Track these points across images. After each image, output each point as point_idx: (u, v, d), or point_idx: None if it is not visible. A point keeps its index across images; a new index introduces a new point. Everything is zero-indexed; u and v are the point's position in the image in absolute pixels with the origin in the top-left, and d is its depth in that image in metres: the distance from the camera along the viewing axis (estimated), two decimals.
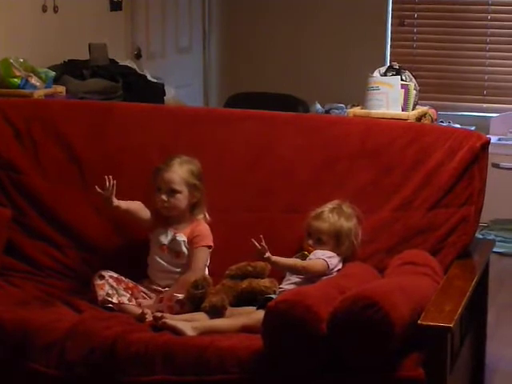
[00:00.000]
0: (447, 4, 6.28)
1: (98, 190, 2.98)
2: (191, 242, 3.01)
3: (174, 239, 3.03)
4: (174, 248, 3.02)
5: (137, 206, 3.07)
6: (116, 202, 3.00)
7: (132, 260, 3.12)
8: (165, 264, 3.03)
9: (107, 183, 2.97)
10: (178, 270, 3.02)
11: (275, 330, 2.43)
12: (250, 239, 2.74)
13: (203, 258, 3.01)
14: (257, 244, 2.74)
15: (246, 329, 2.70)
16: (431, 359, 2.39)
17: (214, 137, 3.26)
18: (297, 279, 2.88)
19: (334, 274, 2.86)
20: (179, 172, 3.01)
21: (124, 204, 3.03)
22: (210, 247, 3.02)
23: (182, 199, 3.01)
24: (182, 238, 3.02)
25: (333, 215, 2.92)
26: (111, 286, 2.96)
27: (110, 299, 2.93)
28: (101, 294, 2.95)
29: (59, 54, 4.63)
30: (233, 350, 2.51)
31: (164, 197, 3.00)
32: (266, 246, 2.76)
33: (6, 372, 2.66)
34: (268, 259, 2.79)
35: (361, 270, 2.85)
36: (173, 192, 3.00)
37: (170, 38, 6.00)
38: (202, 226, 3.04)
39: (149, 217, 3.06)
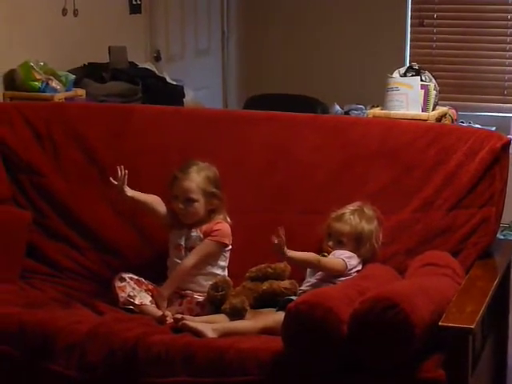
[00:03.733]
0: (467, 4, 6.24)
1: (113, 180, 2.98)
2: (209, 234, 2.99)
3: (189, 237, 3.02)
4: (190, 246, 3.01)
5: (153, 200, 3.07)
6: (130, 192, 3.01)
7: (152, 262, 3.13)
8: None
9: (119, 173, 2.98)
10: (197, 270, 3.01)
11: (295, 331, 2.43)
12: (270, 239, 2.73)
13: (208, 249, 2.98)
14: (275, 239, 2.72)
15: (266, 331, 2.70)
16: (452, 361, 2.38)
17: (232, 138, 3.26)
18: (316, 281, 2.87)
19: (353, 274, 2.86)
20: (196, 180, 3.00)
21: (139, 195, 3.04)
22: (224, 245, 3.00)
23: (199, 208, 3.01)
24: (197, 233, 3.01)
25: (354, 217, 2.91)
26: (133, 288, 2.97)
27: (132, 300, 2.94)
28: (122, 295, 2.95)
29: (79, 57, 4.65)
30: (253, 352, 2.51)
31: (181, 205, 3.00)
32: (283, 239, 2.73)
33: (27, 374, 2.67)
34: (284, 253, 2.75)
35: (381, 271, 2.84)
36: (189, 201, 3.00)
37: (189, 40, 6.01)
38: (222, 224, 3.02)
39: (166, 212, 3.06)
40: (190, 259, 2.97)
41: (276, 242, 2.72)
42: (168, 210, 3.07)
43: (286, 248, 2.75)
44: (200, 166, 3.04)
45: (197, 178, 3.00)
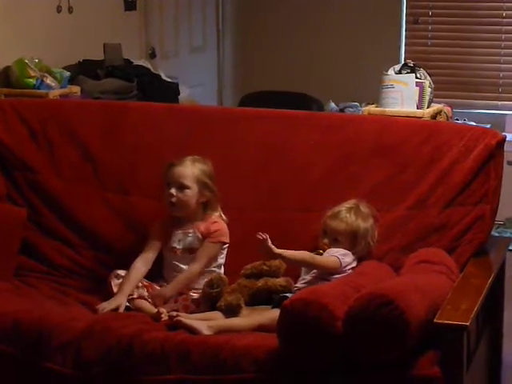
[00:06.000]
0: (461, 1, 6.26)
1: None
2: (208, 236, 2.99)
3: (184, 238, 3.02)
4: (186, 246, 3.02)
5: (139, 273, 2.98)
6: (124, 300, 2.91)
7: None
8: (180, 265, 3.02)
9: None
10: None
11: (290, 328, 2.43)
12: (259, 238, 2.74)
13: (212, 252, 2.99)
14: (260, 236, 2.74)
15: (261, 328, 2.70)
16: (447, 358, 2.38)
17: (228, 136, 3.26)
18: (311, 278, 2.88)
19: (348, 272, 2.86)
20: (190, 168, 3.01)
21: (131, 291, 2.93)
22: (224, 244, 3.02)
23: (191, 196, 3.00)
24: (192, 234, 3.01)
25: (350, 215, 2.91)
26: None
27: (129, 297, 2.93)
28: None
29: (74, 55, 4.65)
30: (248, 349, 2.51)
31: (173, 191, 2.99)
32: (266, 237, 2.74)
33: (23, 371, 2.67)
34: (271, 251, 2.76)
35: (376, 268, 2.85)
36: (182, 187, 2.99)
37: (184, 37, 6.01)
38: (219, 222, 3.02)
39: (153, 258, 3.02)
40: (197, 265, 2.96)
41: (261, 239, 2.73)
42: (160, 224, 3.05)
43: (272, 246, 2.76)
44: (195, 157, 3.04)
45: (191, 166, 3.01)
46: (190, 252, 3.01)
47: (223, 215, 3.05)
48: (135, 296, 2.93)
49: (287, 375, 2.47)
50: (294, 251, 2.83)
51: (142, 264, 3.00)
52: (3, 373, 2.69)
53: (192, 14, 6.08)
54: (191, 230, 3.02)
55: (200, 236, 3.01)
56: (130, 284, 2.95)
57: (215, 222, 3.02)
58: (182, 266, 3.01)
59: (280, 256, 2.82)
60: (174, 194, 2.99)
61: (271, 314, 2.70)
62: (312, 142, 3.16)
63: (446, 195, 2.97)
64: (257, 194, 3.16)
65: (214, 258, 3.01)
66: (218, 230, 3.00)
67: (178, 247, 3.02)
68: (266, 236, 2.76)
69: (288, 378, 2.47)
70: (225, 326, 2.72)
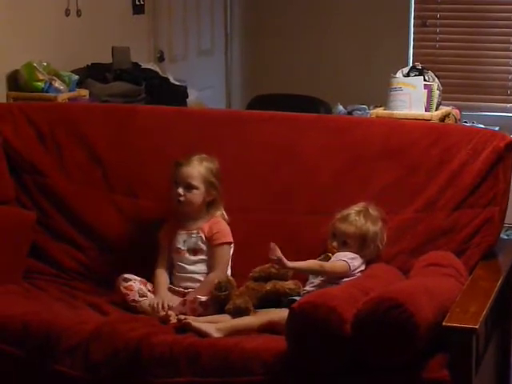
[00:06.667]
0: (470, 4, 6.24)
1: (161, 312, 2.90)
2: (211, 238, 3.01)
3: (188, 239, 3.03)
4: (190, 247, 3.03)
5: (165, 278, 3.03)
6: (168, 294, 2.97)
7: (154, 262, 3.12)
8: (185, 266, 3.03)
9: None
10: (199, 269, 3.02)
11: (299, 331, 2.43)
12: (271, 241, 2.74)
13: (226, 255, 3.01)
14: (272, 257, 2.73)
15: (271, 324, 2.70)
16: (456, 361, 2.38)
17: (236, 139, 3.26)
18: (320, 281, 2.87)
19: (357, 275, 2.85)
20: (198, 168, 3.03)
21: (164, 291, 2.99)
22: (230, 243, 3.02)
23: (198, 195, 3.02)
24: (196, 235, 3.03)
25: (359, 218, 2.90)
26: (140, 287, 2.98)
27: (143, 296, 2.94)
28: (131, 294, 2.96)
29: (82, 58, 4.65)
30: (257, 352, 2.51)
31: (181, 191, 3.01)
32: (280, 256, 2.73)
33: (31, 374, 2.68)
34: (285, 266, 2.77)
35: (385, 271, 2.84)
36: (190, 187, 3.01)
37: (193, 40, 6.01)
38: (220, 222, 3.04)
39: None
40: (219, 272, 2.97)
41: (275, 258, 2.73)
42: (166, 222, 3.08)
43: (286, 261, 2.75)
44: (202, 156, 3.06)
45: (199, 166, 3.03)
46: (195, 253, 3.03)
47: (225, 214, 3.06)
48: (149, 296, 2.95)
49: (296, 377, 2.47)
50: (302, 262, 2.82)
51: (163, 270, 3.04)
52: (12, 375, 2.70)
53: (200, 17, 6.08)
54: (195, 231, 3.03)
55: (203, 236, 3.02)
56: (163, 285, 2.99)
57: (216, 222, 3.04)
58: (187, 266, 3.03)
59: (291, 269, 2.82)
60: (182, 193, 3.01)
61: (282, 313, 2.68)
62: (320, 145, 3.17)
63: (455, 198, 2.96)
64: (265, 197, 3.16)
65: (229, 259, 3.03)
66: (218, 232, 3.01)
67: (182, 248, 3.04)
68: (279, 256, 2.74)
69: (297, 380, 2.47)
70: (235, 326, 2.72)
